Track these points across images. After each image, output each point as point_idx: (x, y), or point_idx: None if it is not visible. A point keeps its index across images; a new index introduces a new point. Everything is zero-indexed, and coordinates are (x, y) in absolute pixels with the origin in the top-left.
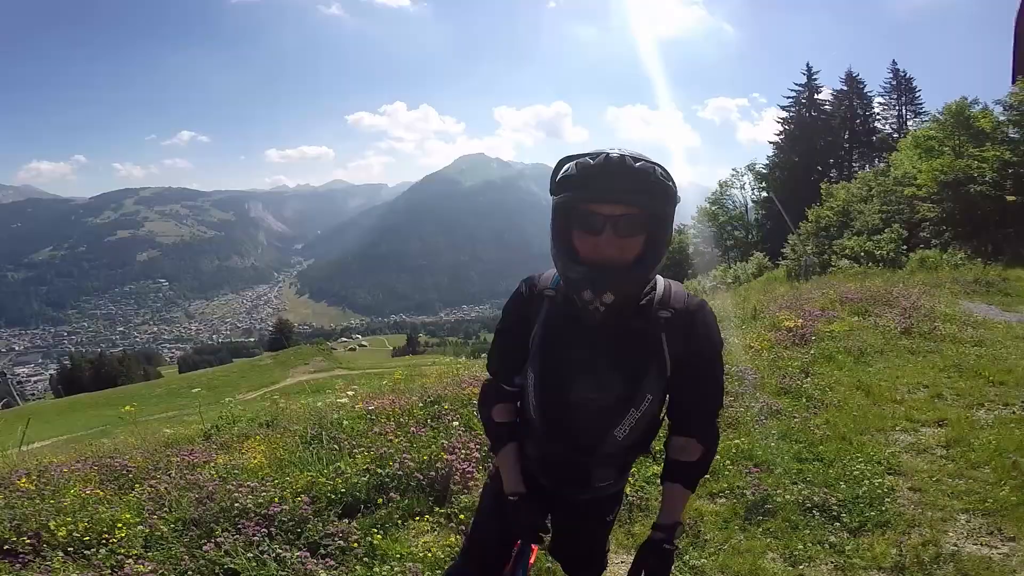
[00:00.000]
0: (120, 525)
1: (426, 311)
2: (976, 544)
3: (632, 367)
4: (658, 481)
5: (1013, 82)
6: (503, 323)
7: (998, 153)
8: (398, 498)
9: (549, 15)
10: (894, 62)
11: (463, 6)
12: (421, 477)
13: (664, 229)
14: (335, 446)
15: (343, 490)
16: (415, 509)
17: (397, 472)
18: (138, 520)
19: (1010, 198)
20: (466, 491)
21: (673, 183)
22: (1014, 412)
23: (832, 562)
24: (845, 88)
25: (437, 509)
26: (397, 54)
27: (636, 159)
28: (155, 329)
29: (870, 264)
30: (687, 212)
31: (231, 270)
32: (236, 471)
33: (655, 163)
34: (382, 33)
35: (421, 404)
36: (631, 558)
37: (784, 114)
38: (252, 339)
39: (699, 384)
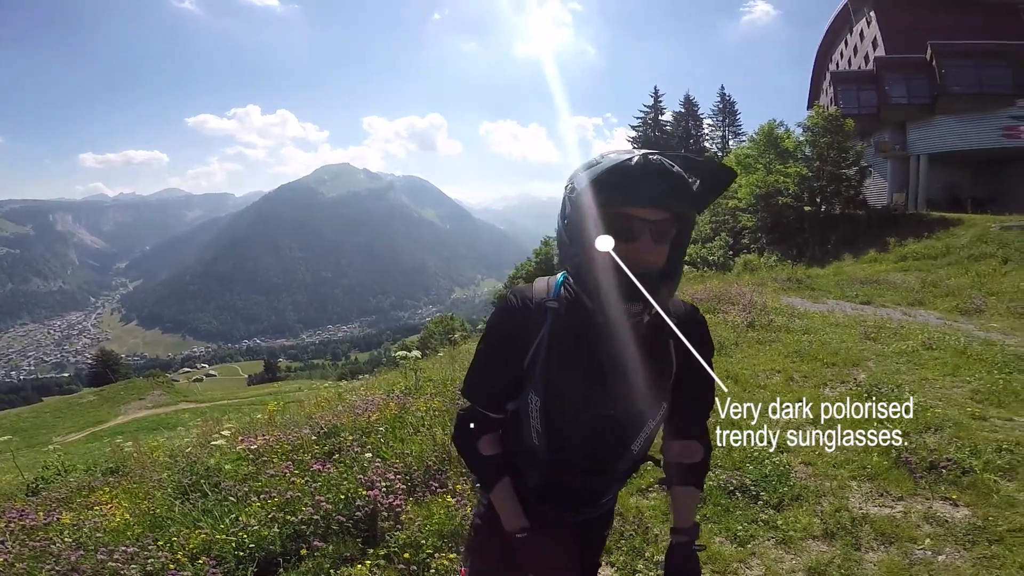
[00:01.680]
0: None
1: (285, 334)
2: (876, 506)
3: (649, 377)
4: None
5: (809, 107)
6: (491, 342)
7: (798, 169)
8: (322, 545)
9: (433, 26)
10: (722, 87)
11: (341, 11)
12: (343, 519)
13: (690, 235)
14: (227, 495)
15: (252, 545)
16: (345, 554)
17: (313, 517)
18: None
19: (807, 208)
20: (399, 527)
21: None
22: (850, 388)
23: (772, 537)
24: (683, 110)
25: (372, 551)
26: (256, 55)
27: (672, 162)
28: None
29: (705, 268)
30: (552, 224)
31: (31, 295)
32: (97, 533)
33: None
34: (241, 32)
35: (315, 437)
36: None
37: (634, 133)
38: (66, 374)
39: (698, 388)
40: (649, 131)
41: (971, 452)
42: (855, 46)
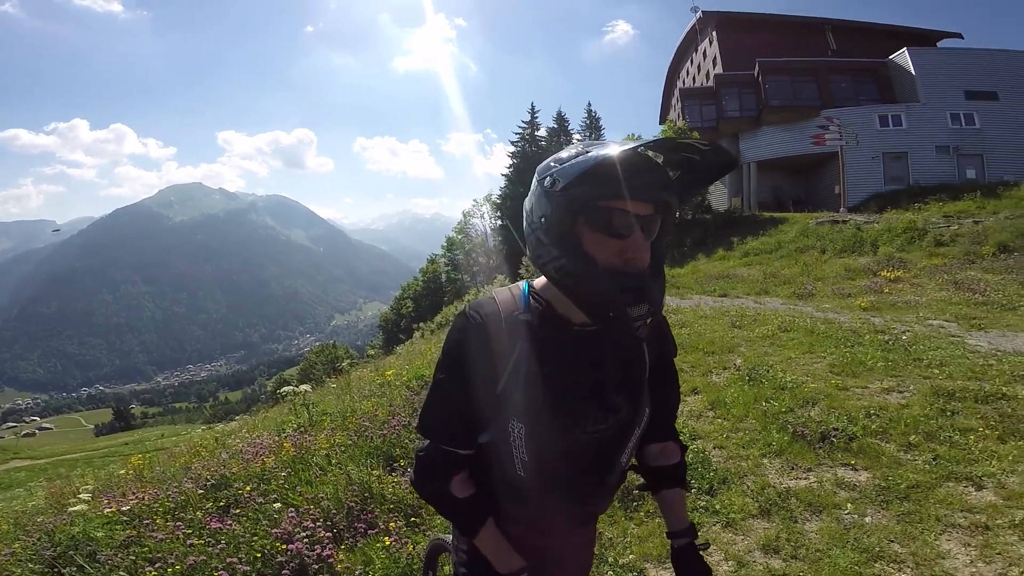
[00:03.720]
0: None
1: (135, 378)
2: (793, 479)
3: (632, 385)
4: None
5: (661, 121)
6: (453, 369)
7: None
8: None
9: (304, 39)
10: (589, 103)
11: (198, 20)
12: None
13: (670, 230)
14: (111, 567)
15: None
16: None
17: None
18: None
19: None
20: None
21: None
22: (733, 373)
23: (717, 522)
24: (556, 126)
25: None
26: (88, 65)
27: (655, 155)
28: None
29: None
30: (437, 242)
31: None
32: None
33: None
34: (72, 40)
35: (201, 491)
36: None
37: (513, 148)
38: None
39: (668, 389)
40: (527, 147)
41: (848, 420)
42: (699, 64)
